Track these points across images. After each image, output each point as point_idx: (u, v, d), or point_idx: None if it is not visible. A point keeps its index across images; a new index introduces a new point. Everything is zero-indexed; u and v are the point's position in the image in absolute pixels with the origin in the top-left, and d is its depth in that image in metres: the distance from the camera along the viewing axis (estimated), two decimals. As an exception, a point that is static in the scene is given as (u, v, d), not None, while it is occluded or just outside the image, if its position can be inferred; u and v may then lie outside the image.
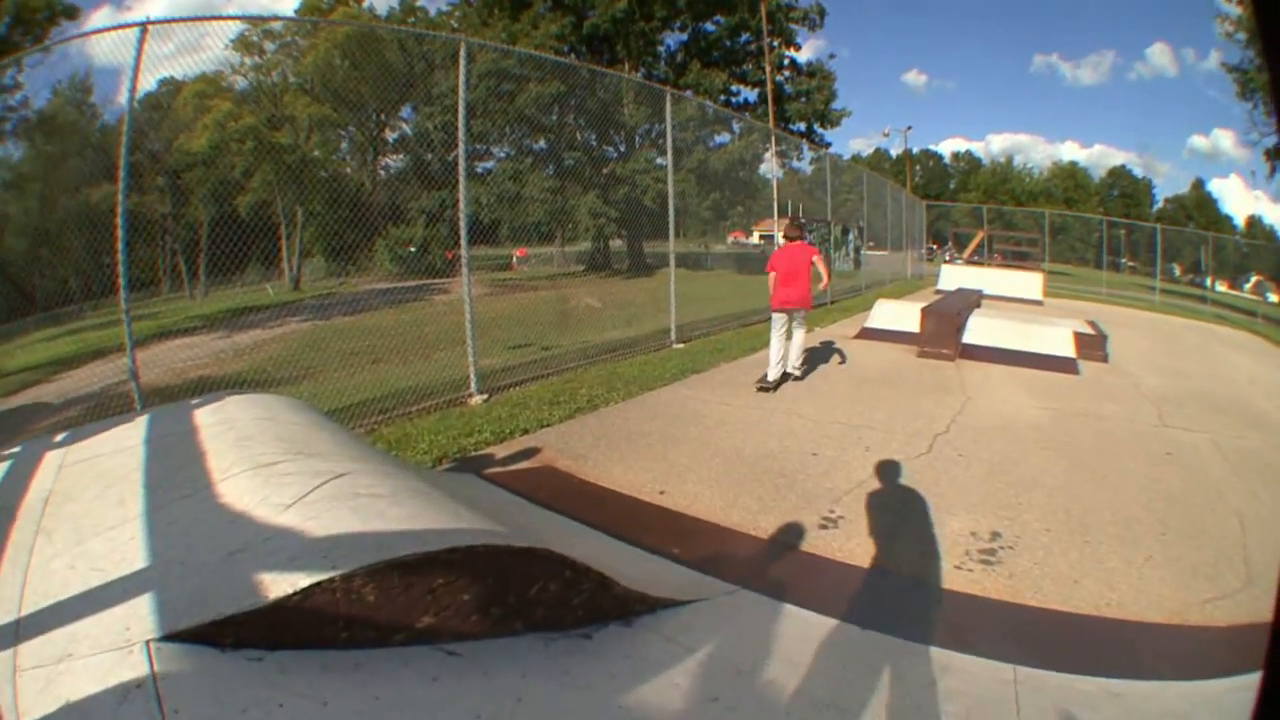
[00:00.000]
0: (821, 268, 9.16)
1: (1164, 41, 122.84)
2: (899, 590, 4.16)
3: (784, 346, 8.99)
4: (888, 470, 6.02)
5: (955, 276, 24.42)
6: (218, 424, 3.33)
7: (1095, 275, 40.91)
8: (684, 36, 32.13)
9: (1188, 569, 4.82)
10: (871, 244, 27.05)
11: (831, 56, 65.65)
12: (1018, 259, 36.97)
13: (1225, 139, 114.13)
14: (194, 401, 3.70)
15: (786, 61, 32.89)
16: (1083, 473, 6.47)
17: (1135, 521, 5.51)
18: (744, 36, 32.54)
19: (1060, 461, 6.72)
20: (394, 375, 8.29)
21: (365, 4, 33.27)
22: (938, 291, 22.34)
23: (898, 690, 3.00)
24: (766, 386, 8.60)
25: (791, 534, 4.70)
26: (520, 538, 2.95)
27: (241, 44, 22.95)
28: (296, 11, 24.84)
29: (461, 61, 7.55)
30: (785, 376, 9.00)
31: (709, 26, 32.11)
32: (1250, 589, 4.66)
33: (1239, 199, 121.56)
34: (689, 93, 11.28)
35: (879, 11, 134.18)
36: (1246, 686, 3.45)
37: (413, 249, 20.98)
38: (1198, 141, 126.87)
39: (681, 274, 19.23)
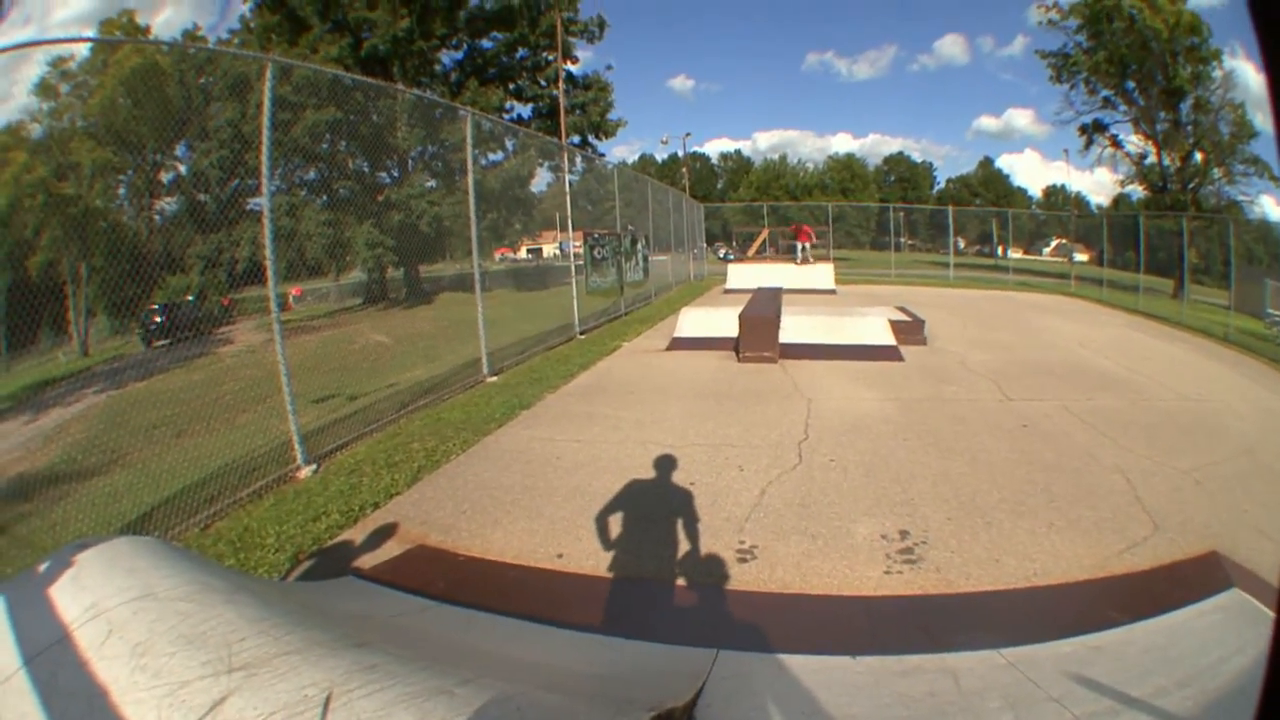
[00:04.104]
0: None
1: (957, 33, 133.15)
2: (850, 609, 4.12)
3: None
4: (772, 489, 5.83)
5: (743, 275, 24.91)
6: (92, 623, 2.41)
7: (875, 257, 43.56)
8: (459, 55, 31.46)
9: (1090, 528, 5.09)
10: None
11: (609, 68, 66.66)
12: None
13: (1021, 118, 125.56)
14: (42, 571, 2.71)
15: (564, 74, 32.70)
16: (953, 458, 6.59)
17: (1023, 495, 5.70)
18: (521, 52, 32.14)
19: (928, 451, 6.81)
20: (205, 449, 7.25)
21: (151, 35, 31.37)
22: (727, 291, 23.02)
23: (937, 704, 3.05)
24: None
25: (716, 575, 4.43)
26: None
27: (42, 89, 21.04)
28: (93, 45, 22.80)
29: (268, 83, 6.59)
30: None
31: (486, 43, 31.55)
32: (1161, 534, 5.02)
33: (1034, 171, 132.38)
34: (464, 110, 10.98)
35: (645, 19, 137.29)
36: (1208, 611, 3.75)
37: (190, 298, 19.43)
38: (986, 123, 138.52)
39: (461, 298, 18.60)
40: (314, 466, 6.52)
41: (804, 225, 28.08)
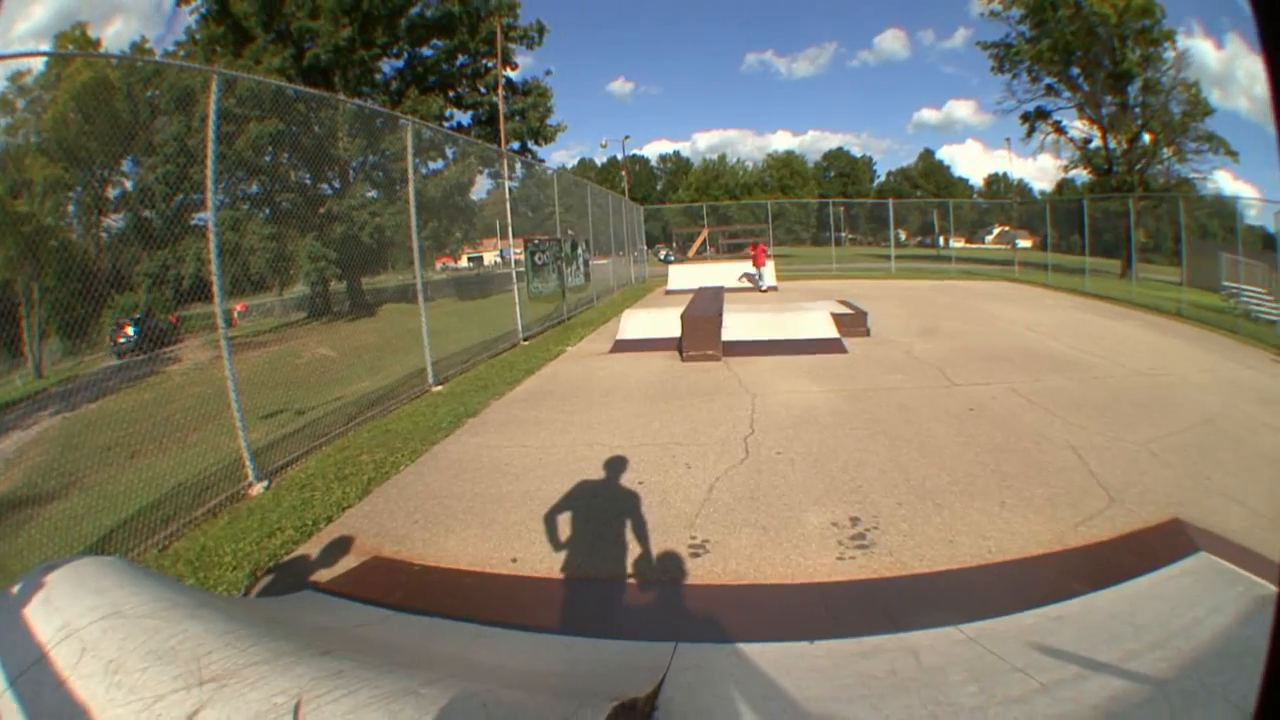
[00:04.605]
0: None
1: (898, 27, 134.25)
2: (805, 596, 4.16)
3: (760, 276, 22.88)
4: (720, 484, 5.91)
5: (684, 276, 25.05)
6: (66, 643, 2.46)
7: (816, 253, 43.85)
8: (400, 63, 31.28)
9: (1044, 504, 5.21)
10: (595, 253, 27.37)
11: (548, 73, 66.56)
12: (735, 250, 38.70)
13: (962, 109, 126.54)
14: (15, 593, 2.77)
15: (504, 81, 32.61)
16: (901, 445, 6.69)
17: (973, 477, 5.81)
18: (461, 59, 32.05)
19: (875, 439, 6.90)
20: (159, 469, 7.21)
21: (101, 49, 30.65)
22: (669, 292, 23.08)
23: (898, 681, 3.08)
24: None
25: (670, 571, 4.51)
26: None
27: (1, 104, 20.93)
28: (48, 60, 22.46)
29: (213, 96, 6.56)
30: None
31: (427, 51, 31.42)
32: (1118, 505, 5.12)
33: (976, 161, 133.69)
34: (405, 120, 11.08)
35: (584, 23, 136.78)
36: (1175, 576, 3.89)
37: (138, 316, 19.16)
38: (926, 115, 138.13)
39: (404, 308, 18.57)
40: (266, 482, 6.48)
41: (760, 243, 25.99)
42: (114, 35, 56.64)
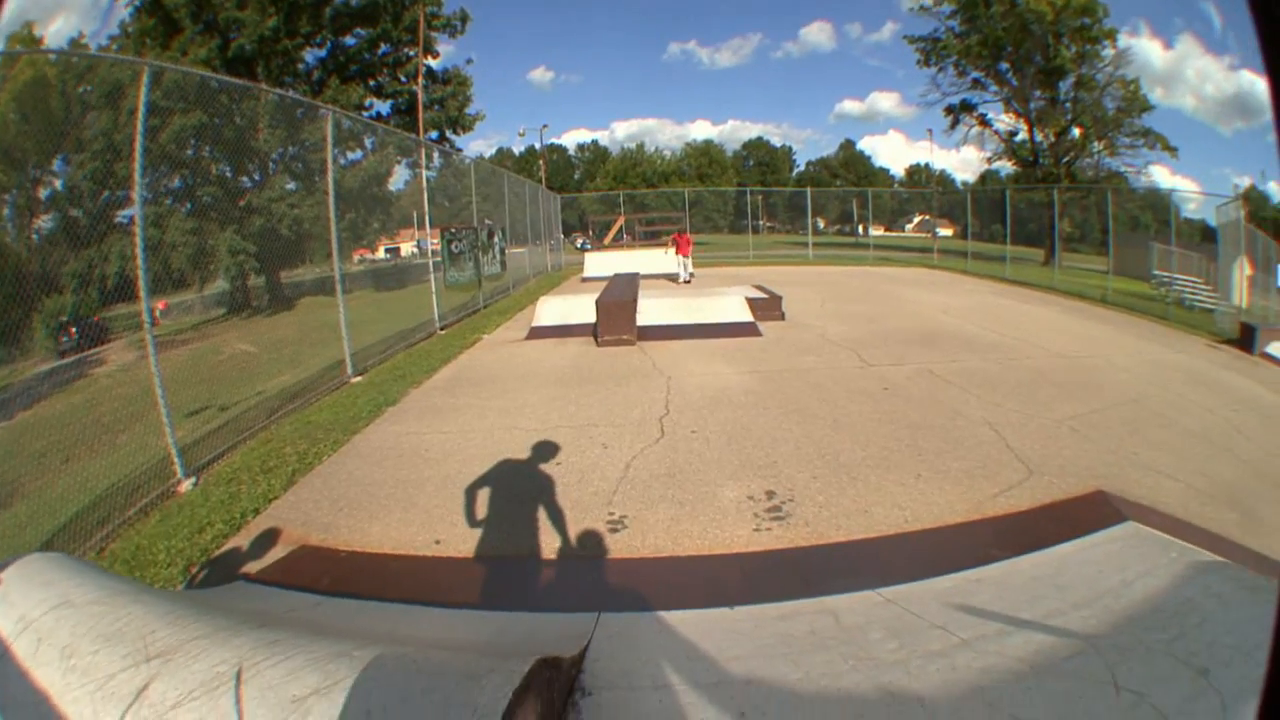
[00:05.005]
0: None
1: (825, 20, 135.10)
2: (723, 566, 4.30)
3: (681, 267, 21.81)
4: (637, 462, 6.08)
5: (600, 263, 25.07)
6: (24, 635, 2.57)
7: (734, 240, 44.05)
8: (323, 53, 30.77)
9: (961, 476, 5.36)
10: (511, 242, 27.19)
11: (469, 61, 65.84)
12: (652, 238, 38.76)
13: (885, 101, 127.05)
14: None
15: (424, 69, 32.28)
16: (815, 422, 6.85)
17: (888, 451, 5.97)
18: (383, 48, 31.73)
19: (789, 417, 7.06)
20: (91, 472, 7.12)
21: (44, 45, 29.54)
22: (585, 280, 23.12)
23: (818, 640, 3.23)
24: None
25: (590, 546, 4.67)
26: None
27: None
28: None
29: (144, 89, 6.52)
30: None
31: (350, 40, 31.01)
32: (1037, 477, 5.29)
33: (898, 152, 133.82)
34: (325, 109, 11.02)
35: (506, 11, 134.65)
36: (1101, 542, 4.04)
37: (65, 319, 18.78)
38: (849, 106, 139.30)
39: (322, 301, 18.48)
40: (193, 479, 6.48)
41: (685, 233, 23.67)
42: (55, 32, 54.91)
